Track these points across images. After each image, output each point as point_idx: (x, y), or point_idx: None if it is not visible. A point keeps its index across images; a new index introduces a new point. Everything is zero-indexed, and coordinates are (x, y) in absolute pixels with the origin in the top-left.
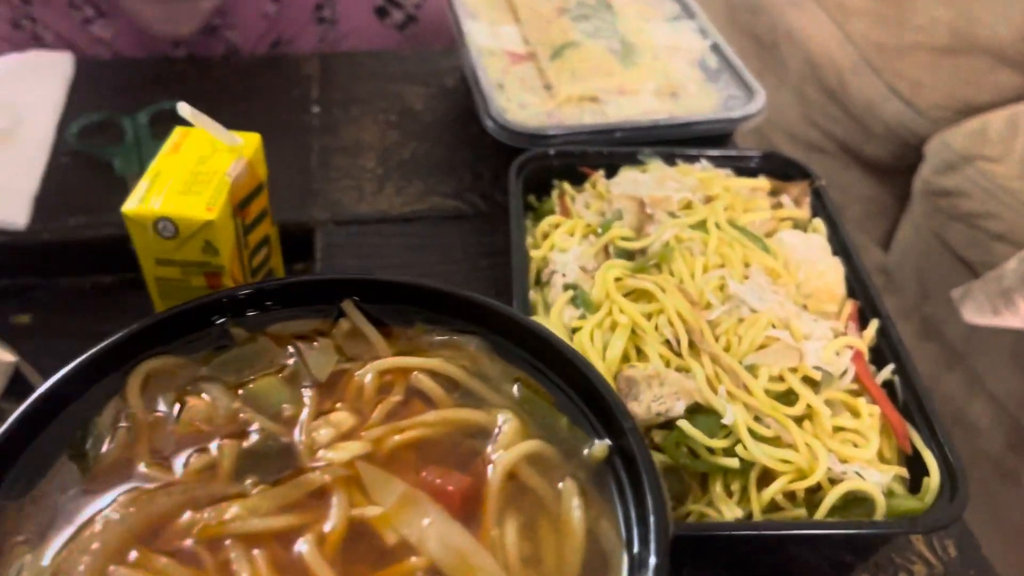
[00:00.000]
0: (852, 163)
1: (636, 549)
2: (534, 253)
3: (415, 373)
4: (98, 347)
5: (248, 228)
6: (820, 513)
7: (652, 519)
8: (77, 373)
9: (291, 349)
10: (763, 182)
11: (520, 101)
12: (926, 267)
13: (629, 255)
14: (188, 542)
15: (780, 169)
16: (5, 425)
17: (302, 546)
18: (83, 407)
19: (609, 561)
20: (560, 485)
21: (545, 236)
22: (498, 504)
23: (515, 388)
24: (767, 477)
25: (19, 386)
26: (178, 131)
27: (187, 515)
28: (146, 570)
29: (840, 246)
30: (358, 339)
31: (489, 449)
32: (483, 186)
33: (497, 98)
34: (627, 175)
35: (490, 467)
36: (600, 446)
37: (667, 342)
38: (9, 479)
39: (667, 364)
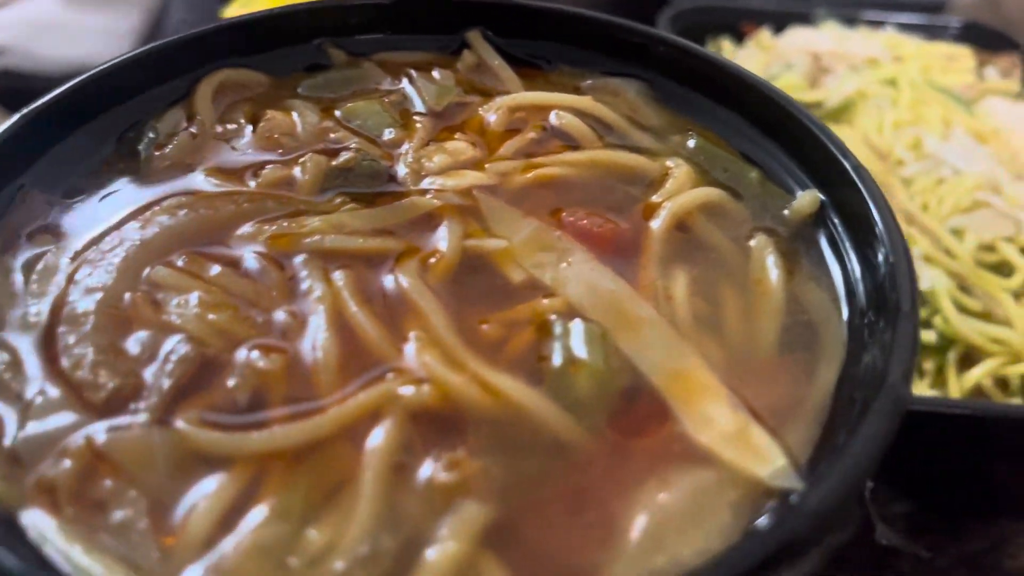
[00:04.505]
0: None
1: (862, 316)
2: None
3: (557, 112)
4: (158, 43)
5: None
6: None
7: (890, 272)
8: (132, 65)
9: (401, 78)
10: (963, 50)
11: None
12: None
13: None
14: (251, 252)
15: (984, 42)
16: (39, 101)
17: (399, 273)
18: (140, 107)
19: (818, 331)
20: (750, 243)
21: None
22: (663, 254)
23: (687, 139)
24: (967, 362)
25: None
26: None
27: (253, 224)
28: (192, 276)
29: None
30: (485, 75)
31: (653, 197)
32: None
33: None
34: (796, 33)
35: (654, 215)
36: (807, 196)
37: None
38: (42, 164)
39: None
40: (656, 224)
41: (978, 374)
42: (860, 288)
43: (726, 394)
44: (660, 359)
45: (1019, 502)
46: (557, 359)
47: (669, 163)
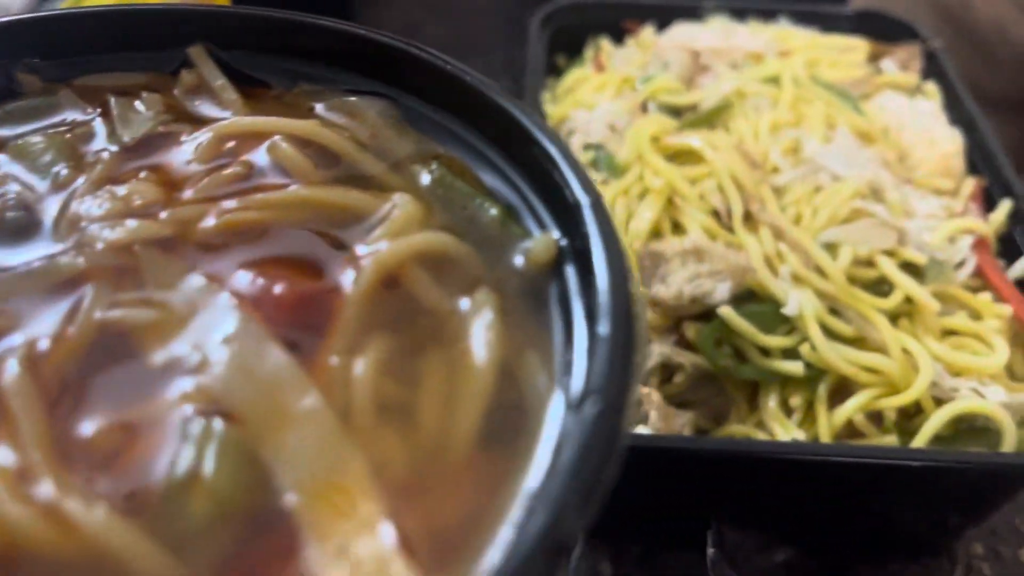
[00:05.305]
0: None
1: (578, 399)
2: (550, 109)
3: (275, 140)
4: None
5: None
6: (920, 442)
7: (604, 344)
8: None
9: (98, 106)
10: (858, 42)
11: None
12: None
13: (675, 113)
14: None
15: (883, 31)
16: None
17: (5, 362)
18: None
19: (528, 418)
20: (466, 302)
21: (569, 94)
22: (357, 322)
23: (429, 169)
24: (843, 393)
25: None
26: None
27: None
28: None
29: (960, 116)
30: (203, 97)
31: (361, 246)
32: (511, 66)
33: None
34: (681, 29)
35: (356, 266)
36: (542, 242)
37: (715, 213)
38: None
39: (712, 239)
40: (355, 281)
41: (848, 409)
42: (583, 362)
43: (379, 515)
44: (311, 469)
45: (906, 542)
46: (174, 474)
47: (394, 200)
